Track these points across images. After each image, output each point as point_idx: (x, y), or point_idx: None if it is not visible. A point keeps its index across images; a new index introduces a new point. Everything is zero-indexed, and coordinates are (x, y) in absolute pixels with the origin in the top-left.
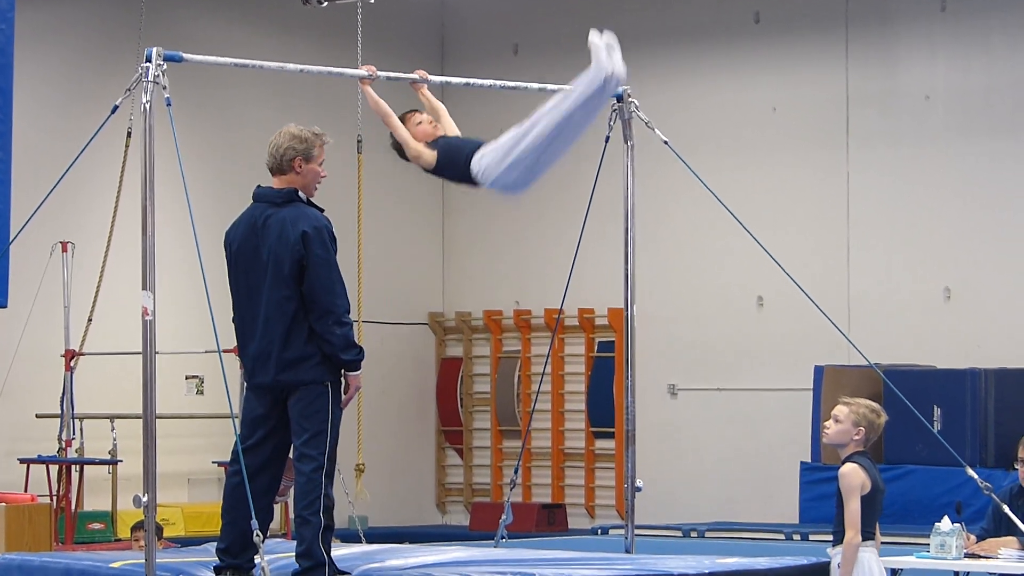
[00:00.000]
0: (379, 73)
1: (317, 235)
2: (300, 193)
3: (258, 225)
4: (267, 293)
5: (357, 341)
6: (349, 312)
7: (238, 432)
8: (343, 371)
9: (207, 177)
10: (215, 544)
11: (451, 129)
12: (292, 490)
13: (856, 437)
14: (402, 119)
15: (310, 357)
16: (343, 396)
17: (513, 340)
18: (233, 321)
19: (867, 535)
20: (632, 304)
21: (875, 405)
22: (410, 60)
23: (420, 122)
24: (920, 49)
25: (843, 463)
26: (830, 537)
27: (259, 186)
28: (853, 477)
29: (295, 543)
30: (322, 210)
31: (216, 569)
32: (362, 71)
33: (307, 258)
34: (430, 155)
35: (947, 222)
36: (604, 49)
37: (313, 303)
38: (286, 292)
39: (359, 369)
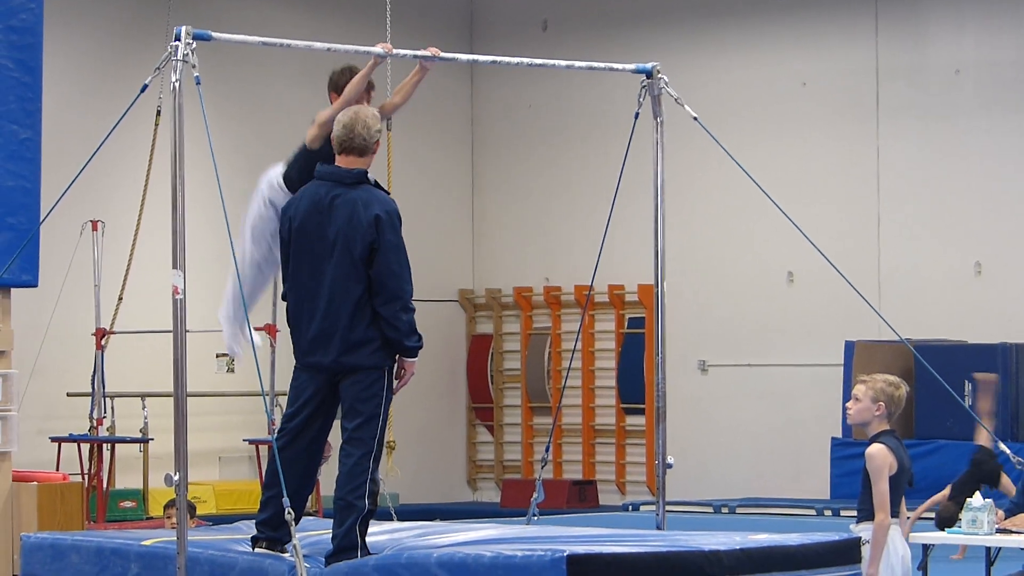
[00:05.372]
0: (395, 51)
1: (389, 219)
2: (369, 175)
3: (324, 204)
4: (332, 273)
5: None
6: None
7: (286, 408)
8: (398, 356)
9: (236, 155)
10: (247, 521)
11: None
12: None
13: (878, 413)
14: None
15: (372, 340)
16: (396, 382)
17: (543, 317)
18: (284, 298)
19: (892, 513)
20: (662, 280)
21: (893, 378)
22: (438, 38)
23: (370, 89)
24: (950, 23)
25: (870, 442)
26: None
27: (321, 164)
28: (880, 459)
29: (332, 523)
30: (388, 192)
31: (253, 539)
32: (377, 48)
33: (378, 242)
34: (316, 139)
35: (977, 196)
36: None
37: (382, 287)
38: (354, 275)
39: (417, 356)
